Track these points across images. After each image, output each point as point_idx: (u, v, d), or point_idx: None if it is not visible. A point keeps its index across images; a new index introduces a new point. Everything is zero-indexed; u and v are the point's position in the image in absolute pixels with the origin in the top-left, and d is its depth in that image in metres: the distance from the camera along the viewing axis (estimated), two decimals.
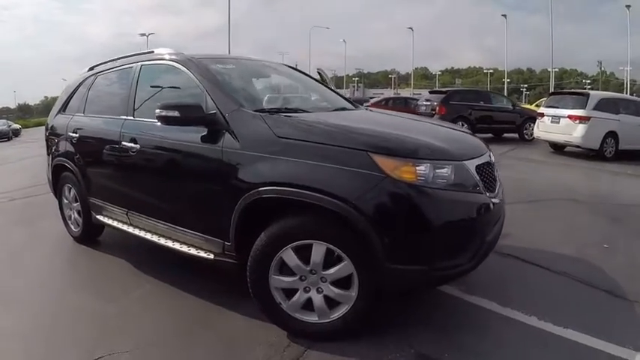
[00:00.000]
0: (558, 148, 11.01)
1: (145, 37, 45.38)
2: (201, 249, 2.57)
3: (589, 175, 7.97)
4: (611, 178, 7.88)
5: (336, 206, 1.98)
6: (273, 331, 2.30)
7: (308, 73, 3.94)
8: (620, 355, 2.19)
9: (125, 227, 3.23)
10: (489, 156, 2.55)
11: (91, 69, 4.08)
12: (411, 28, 51.82)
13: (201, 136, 2.48)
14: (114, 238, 3.96)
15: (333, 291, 2.14)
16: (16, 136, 28.07)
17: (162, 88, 3.09)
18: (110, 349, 2.22)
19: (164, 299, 2.77)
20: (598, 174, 8.13)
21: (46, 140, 4.35)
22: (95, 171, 3.55)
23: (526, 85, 79.77)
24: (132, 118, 3.15)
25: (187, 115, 2.41)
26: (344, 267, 2.08)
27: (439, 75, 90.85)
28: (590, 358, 2.19)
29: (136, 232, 3.10)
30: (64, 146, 3.88)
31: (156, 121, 2.73)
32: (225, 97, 2.51)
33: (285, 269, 2.19)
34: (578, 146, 10.00)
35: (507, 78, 56.49)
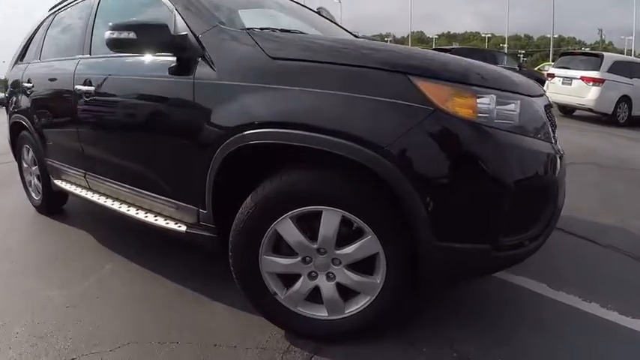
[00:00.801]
0: (567, 111, 10.34)
1: None
2: (172, 219, 1.92)
3: (606, 139, 7.33)
4: (630, 143, 7.25)
5: (359, 155, 1.31)
6: (266, 330, 1.68)
7: (325, 16, 3.17)
8: None
9: (84, 193, 2.57)
10: (548, 100, 1.88)
11: (52, 9, 3.36)
12: None
13: (169, 68, 1.78)
14: (81, 208, 3.33)
15: (350, 277, 1.50)
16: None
17: (125, 16, 2.37)
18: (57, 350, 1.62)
19: (127, 284, 2.13)
20: (615, 139, 7.49)
21: (5, 97, 3.68)
22: (50, 126, 2.88)
23: (523, 52, 77.91)
24: (88, 56, 2.48)
25: (147, 37, 1.70)
26: (366, 244, 1.43)
27: (435, 39, 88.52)
28: None
29: (95, 198, 2.44)
30: (20, 100, 3.23)
31: (114, 55, 2.10)
32: (199, 14, 1.79)
33: (282, 247, 1.54)
34: (590, 110, 9.30)
35: (505, 44, 54.95)
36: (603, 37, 70.27)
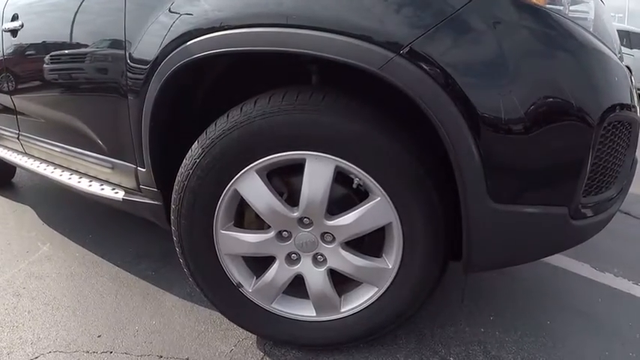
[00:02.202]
0: None
1: None
2: (108, 183, 1.39)
3: None
4: None
5: (367, 57, 0.77)
6: (231, 334, 1.17)
7: None
8: None
9: (19, 159, 2.02)
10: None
11: None
12: None
13: None
14: (32, 181, 2.79)
15: (349, 260, 0.97)
16: None
17: None
18: None
19: (62, 269, 1.61)
20: None
21: None
22: None
23: None
24: None
25: None
26: (374, 210, 0.91)
27: None
28: None
29: (29, 164, 1.89)
30: None
31: None
32: None
33: (247, 217, 1.02)
34: None
35: None
36: None
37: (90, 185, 1.45)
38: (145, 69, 1.02)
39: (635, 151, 1.11)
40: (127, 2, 1.10)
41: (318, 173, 0.88)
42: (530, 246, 0.89)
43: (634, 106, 0.99)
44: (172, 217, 1.02)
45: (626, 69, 1.00)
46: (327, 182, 0.89)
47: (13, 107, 1.94)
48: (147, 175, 1.16)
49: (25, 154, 2.01)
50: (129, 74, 1.09)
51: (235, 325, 1.16)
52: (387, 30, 0.76)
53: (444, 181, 0.88)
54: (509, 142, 0.77)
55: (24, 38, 1.69)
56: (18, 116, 1.94)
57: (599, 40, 0.88)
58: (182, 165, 0.98)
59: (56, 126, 1.64)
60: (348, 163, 0.87)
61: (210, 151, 0.91)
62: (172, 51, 0.96)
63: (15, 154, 2.09)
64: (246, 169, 0.91)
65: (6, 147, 2.21)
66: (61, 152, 1.63)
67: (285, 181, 0.96)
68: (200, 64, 0.94)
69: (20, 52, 1.76)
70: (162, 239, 1.78)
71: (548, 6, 0.80)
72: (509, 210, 0.81)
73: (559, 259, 1.70)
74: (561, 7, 0.82)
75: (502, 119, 0.76)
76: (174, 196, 1.00)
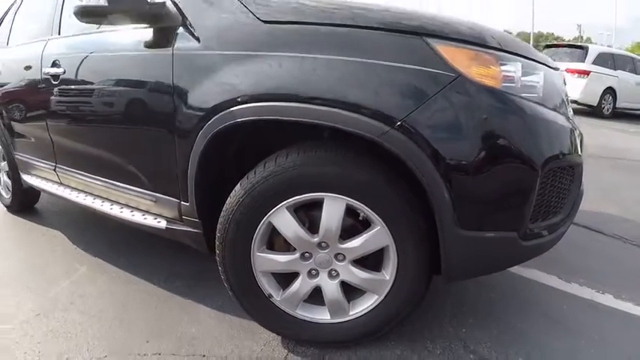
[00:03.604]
0: None
1: None
2: (150, 213, 1.70)
3: (594, 131, 7.31)
4: (619, 134, 7.28)
5: (369, 130, 1.11)
6: (261, 337, 1.47)
7: None
8: None
9: (55, 188, 2.32)
10: (563, 74, 1.72)
11: None
12: None
13: (144, 42, 1.55)
14: (55, 206, 3.07)
15: (356, 274, 1.30)
16: None
17: None
18: None
19: (103, 289, 1.89)
20: (603, 130, 7.51)
21: None
22: (18, 116, 2.59)
23: None
24: (57, 36, 2.22)
25: (119, 4, 1.46)
26: (375, 236, 1.24)
27: None
28: None
29: (67, 193, 2.19)
30: None
31: (85, 32, 1.90)
32: None
33: (276, 242, 1.34)
34: (575, 102, 9.31)
35: None
36: (582, 32, 71.50)
37: (133, 215, 1.75)
38: (194, 126, 1.34)
39: (580, 185, 1.45)
40: (174, 67, 1.43)
41: (333, 209, 1.22)
42: (491, 261, 1.23)
43: (576, 152, 1.34)
44: (217, 243, 1.33)
45: (569, 125, 1.34)
46: (340, 216, 1.22)
47: (50, 142, 2.24)
48: (190, 208, 1.48)
49: (61, 184, 2.30)
50: (178, 128, 1.41)
51: (263, 329, 1.47)
52: (385, 110, 1.10)
53: (426, 215, 1.21)
54: (471, 186, 1.11)
55: (66, 83, 1.98)
56: (55, 150, 2.24)
57: (544, 106, 1.23)
58: (227, 202, 1.30)
59: (97, 162, 1.94)
60: (355, 201, 1.20)
61: (251, 193, 1.24)
62: (219, 113, 1.28)
63: (50, 184, 2.39)
64: (278, 206, 1.24)
65: (40, 177, 2.51)
66: (102, 185, 1.92)
67: (307, 214, 1.29)
68: (240, 125, 1.26)
69: (62, 95, 2.05)
70: (190, 260, 2.06)
71: (503, 85, 1.15)
72: (473, 235, 1.14)
73: (531, 273, 2.02)
74: (513, 85, 1.17)
75: (466, 172, 1.10)
76: (219, 225, 1.32)
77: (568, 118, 1.39)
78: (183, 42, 1.42)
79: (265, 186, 1.23)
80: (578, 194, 1.42)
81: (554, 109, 1.29)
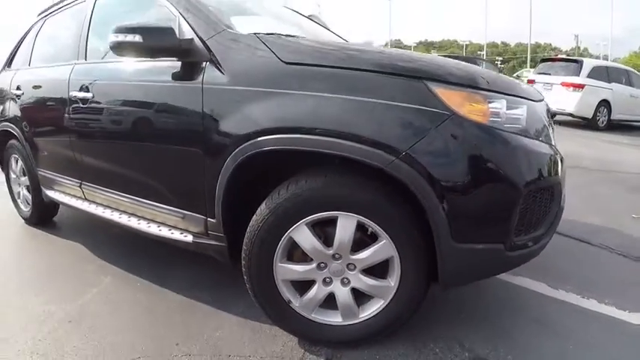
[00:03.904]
0: None
1: None
2: (176, 228, 1.90)
3: (588, 144, 7.58)
4: (612, 146, 7.54)
5: (377, 159, 1.33)
6: (278, 339, 1.68)
7: (316, 21, 3.19)
8: None
9: (79, 204, 2.52)
10: (547, 105, 1.95)
11: (41, 13, 3.31)
12: None
13: (173, 73, 1.78)
14: (73, 219, 3.26)
15: (365, 281, 1.52)
16: None
17: (123, 19, 2.34)
18: None
19: (130, 297, 2.08)
20: (597, 143, 7.76)
21: None
22: (42, 134, 2.80)
23: (500, 58, 79.90)
24: (83, 61, 2.44)
25: (153, 41, 1.69)
26: (381, 248, 1.45)
27: (414, 47, 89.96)
28: None
29: (92, 209, 2.39)
30: (9, 108, 3.13)
31: (113, 60, 2.08)
32: (204, 18, 1.78)
33: (295, 254, 1.55)
34: (571, 115, 9.60)
35: (482, 51, 56.30)
36: (579, 43, 72.57)
37: (160, 230, 1.95)
38: (224, 152, 1.56)
39: (560, 202, 1.66)
40: (204, 100, 1.65)
41: (346, 225, 1.43)
42: (481, 269, 1.45)
43: (555, 175, 1.55)
44: (243, 255, 1.54)
45: (550, 151, 1.56)
46: (352, 231, 1.44)
47: (76, 161, 2.44)
48: (216, 224, 1.69)
49: (86, 199, 2.50)
50: (208, 153, 1.63)
51: (282, 332, 1.67)
52: (391, 143, 1.32)
53: (424, 230, 1.42)
54: (462, 206, 1.34)
55: (95, 107, 2.19)
56: (82, 168, 2.44)
57: (526, 135, 1.45)
58: (252, 220, 1.51)
59: (125, 180, 2.14)
60: (365, 219, 1.42)
61: (275, 212, 1.46)
62: (247, 141, 1.49)
63: (74, 199, 2.59)
64: (298, 223, 1.46)
65: (63, 192, 2.70)
66: (129, 202, 2.13)
67: (323, 229, 1.50)
68: (265, 153, 1.48)
69: (91, 118, 2.26)
70: (210, 271, 2.25)
71: (490, 120, 1.38)
72: (465, 247, 1.36)
73: (522, 280, 2.23)
74: (499, 119, 1.39)
75: (458, 193, 1.32)
76: (246, 240, 1.53)
77: (550, 144, 1.61)
78: (212, 77, 1.64)
79: (287, 206, 1.45)
80: (559, 210, 1.64)
81: (536, 138, 1.51)
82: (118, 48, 1.74)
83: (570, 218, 3.23)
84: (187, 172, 1.76)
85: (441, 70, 1.41)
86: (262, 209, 1.49)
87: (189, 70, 1.73)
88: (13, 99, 3.04)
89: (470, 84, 1.38)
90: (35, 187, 2.99)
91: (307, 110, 1.42)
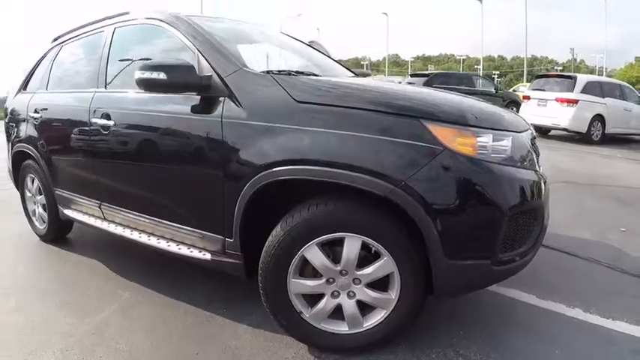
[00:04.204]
0: (543, 132, 10.92)
1: None
2: (195, 247, 2.10)
3: (581, 158, 7.84)
4: (604, 160, 7.78)
5: (380, 188, 1.55)
6: (290, 347, 1.87)
7: (317, 49, 3.44)
8: None
9: (98, 223, 2.71)
10: (533, 132, 2.18)
11: (55, 39, 3.51)
12: (385, 13, 50.79)
13: (193, 106, 1.99)
14: (87, 236, 3.44)
15: (369, 294, 1.73)
16: None
17: (142, 51, 2.59)
18: None
19: (148, 310, 2.27)
20: (589, 157, 8.02)
21: (6, 125, 3.75)
22: (60, 156, 2.99)
23: (497, 72, 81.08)
24: (103, 90, 2.63)
25: (176, 78, 1.90)
26: (383, 265, 1.67)
27: (411, 62, 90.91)
28: None
29: (112, 228, 2.58)
30: (25, 130, 3.30)
31: (133, 91, 2.30)
32: (223, 57, 2.00)
33: (306, 270, 1.75)
34: (565, 129, 9.89)
35: (479, 65, 57.10)
36: (575, 55, 73.82)
37: (179, 248, 2.15)
38: (243, 179, 1.77)
39: (542, 222, 1.87)
40: (223, 132, 1.86)
41: (352, 245, 1.65)
42: (471, 282, 1.67)
43: (538, 198, 1.77)
44: (260, 271, 1.75)
45: (533, 177, 1.77)
46: (357, 250, 1.65)
47: (96, 183, 2.64)
48: (233, 243, 1.89)
49: (105, 219, 2.69)
50: (227, 180, 1.84)
51: (294, 340, 1.86)
52: (391, 174, 1.54)
53: (420, 248, 1.63)
54: (453, 227, 1.55)
55: (117, 133, 2.39)
56: (101, 190, 2.64)
57: (511, 164, 1.67)
58: (269, 240, 1.72)
59: (146, 203, 2.34)
60: (368, 239, 1.63)
61: (290, 233, 1.67)
62: (264, 171, 1.71)
63: (92, 219, 2.77)
64: (310, 243, 1.67)
65: (81, 212, 2.89)
66: (149, 222, 2.32)
67: (331, 248, 1.71)
68: (281, 181, 1.69)
69: (112, 144, 2.44)
70: (223, 286, 2.44)
71: (478, 152, 1.60)
72: (456, 263, 1.57)
73: (513, 292, 2.43)
74: (486, 151, 1.61)
75: (449, 217, 1.54)
76: (262, 258, 1.73)
77: (534, 170, 1.82)
78: (231, 111, 1.86)
79: (300, 228, 1.66)
80: (542, 229, 1.85)
81: (521, 165, 1.73)
82: (144, 84, 1.95)
83: (561, 233, 3.46)
84: (207, 197, 1.97)
85: (434, 108, 1.64)
86: (278, 231, 1.71)
87: (208, 104, 1.94)
88: (30, 121, 3.22)
89: (460, 121, 1.61)
90: (52, 206, 3.16)
91: (318, 144, 1.64)
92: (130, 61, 2.59)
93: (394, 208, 1.58)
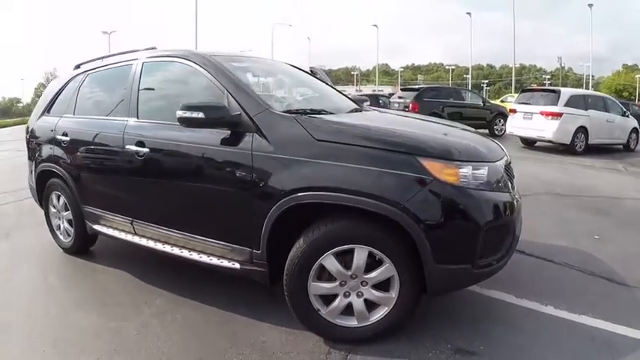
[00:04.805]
0: (529, 143, 11.55)
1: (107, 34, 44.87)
2: (225, 258, 2.50)
3: (563, 169, 8.38)
4: (586, 171, 8.34)
5: (384, 209, 2.00)
6: (309, 339, 2.29)
7: (308, 71, 3.90)
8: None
9: (129, 237, 3.07)
10: (508, 157, 2.64)
11: (78, 67, 3.88)
12: (375, 25, 51.91)
13: (223, 139, 2.41)
14: (108, 248, 3.78)
15: (374, 294, 2.16)
16: None
17: (171, 86, 3.01)
18: None
19: (182, 313, 2.66)
20: (571, 168, 8.56)
21: (28, 144, 4.09)
22: (91, 177, 3.35)
23: (486, 81, 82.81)
24: (135, 119, 2.98)
25: (212, 116, 2.31)
26: (385, 270, 2.11)
27: (401, 72, 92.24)
28: (614, 343, 2.34)
29: (143, 241, 2.96)
30: (52, 150, 3.61)
31: (166, 122, 2.69)
32: (250, 98, 2.43)
33: (323, 275, 2.18)
34: (550, 141, 10.49)
35: (467, 74, 58.35)
36: (563, 64, 75.74)
37: (210, 259, 2.56)
38: (271, 201, 2.19)
39: (514, 233, 2.33)
40: (253, 162, 2.29)
41: (361, 254, 2.09)
42: (456, 283, 2.14)
43: (511, 214, 2.22)
44: (285, 277, 2.18)
45: (506, 198, 2.22)
46: (365, 258, 2.09)
47: (129, 202, 3.03)
48: (260, 254, 2.31)
49: (135, 234, 3.07)
50: (257, 202, 2.26)
51: (312, 335, 2.28)
52: (393, 199, 1.99)
53: (416, 256, 2.07)
54: (440, 239, 2.01)
55: (151, 159, 2.77)
56: (134, 209, 3.02)
57: (487, 189, 2.12)
58: (292, 251, 2.15)
59: (178, 220, 2.74)
60: (374, 249, 2.08)
61: (311, 245, 2.11)
62: (290, 195, 2.14)
63: (123, 234, 3.13)
64: (327, 253, 2.11)
65: (112, 227, 3.24)
66: (180, 236, 2.72)
67: (343, 257, 2.14)
68: (303, 204, 2.12)
69: (147, 168, 2.82)
70: (244, 291, 2.83)
71: (460, 180, 2.05)
72: (444, 267, 2.02)
73: (494, 293, 2.86)
74: (466, 179, 2.07)
75: (437, 230, 2.00)
76: (287, 266, 2.17)
77: (508, 191, 2.28)
78: (260, 145, 2.28)
79: (319, 241, 2.10)
80: (514, 239, 2.31)
81: (496, 189, 2.18)
82: (185, 122, 2.37)
83: (540, 241, 3.92)
84: (238, 216, 2.39)
85: (426, 146, 2.11)
86: (301, 243, 2.14)
87: (238, 138, 2.36)
88: (57, 142, 3.54)
89: (446, 156, 2.07)
90: (79, 221, 3.49)
91: (334, 175, 2.09)
92: (161, 95, 3.01)
93: (394, 224, 2.03)
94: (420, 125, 2.72)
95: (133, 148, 2.84)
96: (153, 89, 3.07)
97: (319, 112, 2.62)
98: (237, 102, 2.42)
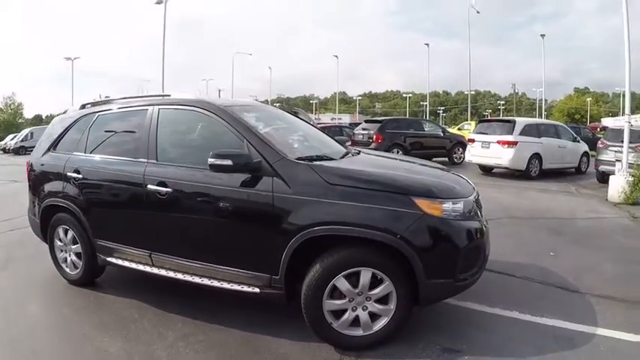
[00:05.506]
0: (487, 170, 12.56)
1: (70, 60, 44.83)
2: (245, 284, 2.93)
3: (520, 194, 9.30)
4: (540, 195, 9.29)
5: (386, 238, 2.57)
6: (322, 349, 2.78)
7: (303, 118, 4.45)
8: (590, 332, 3.07)
9: (147, 268, 3.38)
10: (477, 192, 3.28)
11: (83, 107, 4.17)
12: (336, 56, 53.26)
13: (243, 181, 2.88)
14: (113, 279, 4.02)
15: (376, 307, 2.70)
16: None
17: (189, 133, 3.46)
18: None
19: (205, 334, 3.03)
20: (527, 192, 9.49)
21: (30, 180, 4.27)
22: (106, 212, 3.63)
23: (443, 108, 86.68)
24: (155, 161, 3.32)
25: (238, 163, 2.79)
26: (385, 287, 2.66)
27: (359, 99, 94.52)
28: (573, 338, 2.97)
29: (162, 272, 3.29)
30: (61, 186, 3.85)
31: (187, 165, 3.15)
32: (269, 147, 2.93)
33: (335, 294, 2.69)
34: (507, 168, 11.49)
35: (425, 101, 60.88)
36: (517, 90, 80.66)
37: (231, 286, 2.99)
38: (289, 235, 2.70)
39: (485, 253, 2.94)
40: (274, 202, 2.79)
41: (366, 275, 2.64)
42: (442, 293, 2.74)
43: (481, 238, 2.83)
44: (303, 297, 2.68)
45: (478, 225, 2.84)
46: (369, 278, 2.64)
47: (147, 236, 3.39)
48: (279, 279, 2.79)
49: (154, 265, 3.40)
50: (278, 235, 2.75)
51: (325, 345, 2.77)
52: (392, 230, 2.57)
53: (409, 274, 2.63)
54: (430, 259, 2.60)
55: (174, 199, 3.16)
56: (153, 243, 3.37)
57: (462, 219, 2.72)
58: (310, 274, 2.66)
59: (199, 251, 3.14)
60: (377, 271, 2.64)
61: (326, 269, 2.63)
62: (307, 229, 2.66)
63: (141, 265, 3.44)
64: (338, 275, 2.64)
65: (127, 259, 3.53)
66: (200, 267, 3.12)
67: (351, 277, 2.66)
68: (318, 236, 2.65)
69: (169, 207, 3.20)
70: (257, 312, 3.26)
71: (443, 213, 2.66)
72: (433, 281, 2.61)
73: (469, 304, 3.43)
74: (447, 212, 2.68)
75: (427, 252, 2.59)
76: (305, 288, 2.67)
77: (479, 219, 2.90)
78: (280, 188, 2.79)
79: (332, 265, 2.63)
80: (485, 257, 2.93)
81: (469, 218, 2.79)
82: (215, 167, 2.84)
83: (503, 260, 4.58)
84: (260, 247, 2.86)
85: (417, 187, 2.73)
86: (317, 268, 2.66)
87: (257, 181, 2.86)
88: (67, 179, 3.77)
89: (432, 195, 2.69)
90: (90, 254, 3.73)
91: (345, 212, 2.64)
92: (179, 140, 3.48)
93: (393, 250, 2.59)
94: (407, 168, 3.34)
95: (155, 187, 3.19)
96: (170, 134, 3.45)
97: (322, 158, 3.17)
98: (257, 150, 2.92)
